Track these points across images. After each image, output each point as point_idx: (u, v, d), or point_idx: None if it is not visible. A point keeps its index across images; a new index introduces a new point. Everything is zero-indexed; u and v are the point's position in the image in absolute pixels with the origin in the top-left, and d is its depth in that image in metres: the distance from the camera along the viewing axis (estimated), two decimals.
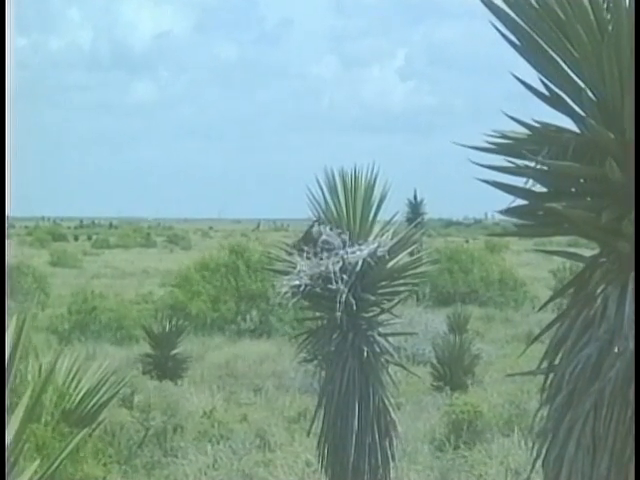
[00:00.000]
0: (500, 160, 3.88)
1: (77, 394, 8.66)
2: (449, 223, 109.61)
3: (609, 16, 3.57)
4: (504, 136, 3.93)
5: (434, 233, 60.00)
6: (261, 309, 23.31)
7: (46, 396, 8.23)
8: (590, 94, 3.73)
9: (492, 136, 3.93)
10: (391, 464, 7.80)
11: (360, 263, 7.66)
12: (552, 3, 3.65)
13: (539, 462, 3.92)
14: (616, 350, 3.62)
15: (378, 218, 8.13)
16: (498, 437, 11.82)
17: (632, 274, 3.61)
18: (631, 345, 3.54)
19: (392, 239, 7.90)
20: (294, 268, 7.71)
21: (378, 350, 7.89)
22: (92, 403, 8.67)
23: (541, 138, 3.83)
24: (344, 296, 7.57)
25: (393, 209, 8.36)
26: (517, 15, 3.77)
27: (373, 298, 7.86)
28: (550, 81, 3.87)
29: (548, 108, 3.92)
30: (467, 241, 53.80)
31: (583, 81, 3.76)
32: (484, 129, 3.92)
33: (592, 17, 3.57)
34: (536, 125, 3.89)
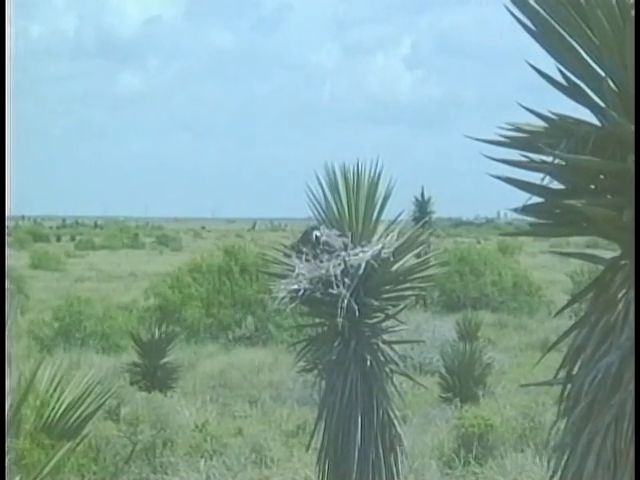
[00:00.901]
0: (514, 155, 3.88)
1: (59, 406, 8.64)
2: (459, 223, 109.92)
3: (631, 0, 3.57)
4: (518, 129, 3.93)
5: (443, 233, 59.91)
6: (257, 315, 23.31)
7: (26, 407, 8.22)
8: (611, 84, 3.72)
9: (505, 129, 3.92)
10: None
11: (363, 266, 7.65)
12: None
13: (555, 479, 3.91)
14: None
15: (382, 217, 8.12)
16: (511, 452, 11.82)
17: None
18: None
19: (397, 240, 7.89)
20: (292, 271, 7.70)
21: (382, 359, 7.89)
22: (75, 415, 8.64)
23: (558, 131, 3.82)
24: (346, 301, 7.56)
25: (398, 207, 8.35)
26: None
27: (377, 303, 7.85)
28: (568, 70, 3.86)
29: (566, 99, 3.92)
30: (478, 242, 53.91)
31: (604, 70, 3.75)
32: (496, 121, 3.92)
33: (613, 1, 3.57)
34: (553, 117, 3.89)
